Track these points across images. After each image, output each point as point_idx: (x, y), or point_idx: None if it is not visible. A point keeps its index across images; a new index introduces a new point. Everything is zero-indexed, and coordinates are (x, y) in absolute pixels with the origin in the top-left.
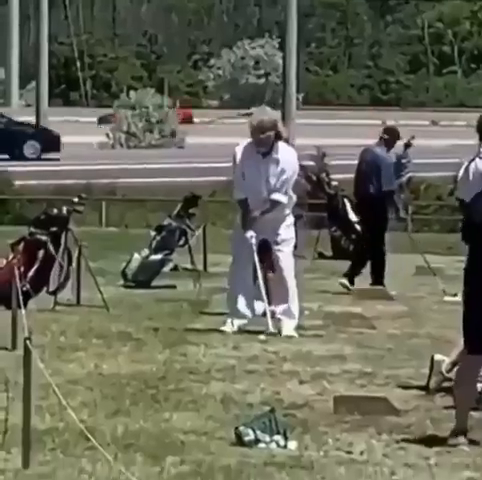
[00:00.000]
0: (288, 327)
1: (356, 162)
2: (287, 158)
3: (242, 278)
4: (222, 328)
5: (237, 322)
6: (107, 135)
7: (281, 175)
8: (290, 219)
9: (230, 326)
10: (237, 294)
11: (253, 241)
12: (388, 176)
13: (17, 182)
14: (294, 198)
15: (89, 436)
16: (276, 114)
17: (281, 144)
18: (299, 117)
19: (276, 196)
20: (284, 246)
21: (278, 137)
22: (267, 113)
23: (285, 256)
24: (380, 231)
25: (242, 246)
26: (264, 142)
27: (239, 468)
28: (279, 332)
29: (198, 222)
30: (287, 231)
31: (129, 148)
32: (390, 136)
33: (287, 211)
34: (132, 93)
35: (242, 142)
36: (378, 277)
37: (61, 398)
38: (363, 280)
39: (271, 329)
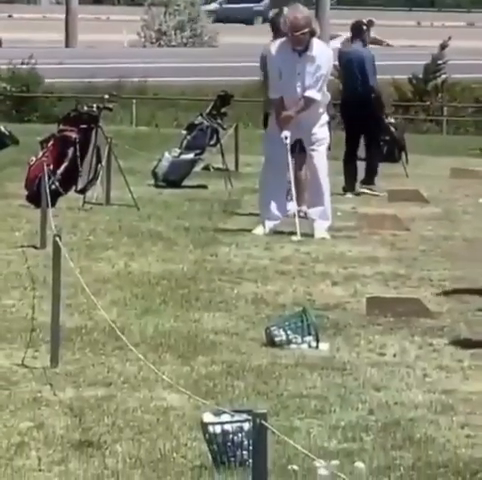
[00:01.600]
0: (321, 228)
1: (391, 63)
2: (323, 55)
3: (274, 179)
4: (254, 231)
5: (269, 224)
6: (138, 34)
7: (316, 72)
8: (324, 118)
9: (262, 228)
10: (269, 195)
11: (287, 141)
12: (372, 70)
13: (47, 80)
14: (329, 96)
15: (119, 334)
16: (309, 11)
17: (316, 41)
18: (333, 17)
19: (311, 93)
20: (318, 146)
21: (312, 34)
22: (300, 10)
23: (319, 156)
24: (377, 130)
25: (276, 146)
26: (300, 40)
27: (270, 369)
28: (312, 233)
29: (230, 122)
30: (321, 130)
31: (160, 46)
32: (356, 30)
33: (321, 109)
34: None
35: (275, 41)
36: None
37: (91, 296)
38: (397, 181)
39: (298, 231)
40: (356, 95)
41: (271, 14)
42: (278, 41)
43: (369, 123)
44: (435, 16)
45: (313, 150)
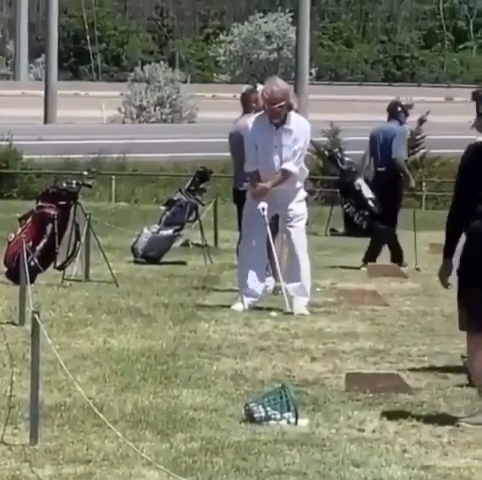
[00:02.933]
0: (300, 305)
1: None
2: (300, 128)
3: (253, 254)
4: (232, 307)
5: (247, 300)
6: (119, 109)
7: (294, 145)
8: (302, 194)
9: (241, 305)
10: (247, 271)
11: (265, 213)
12: (398, 144)
13: (25, 156)
14: (306, 171)
15: (97, 412)
16: (286, 85)
17: (293, 114)
18: (312, 92)
19: (288, 166)
20: (296, 222)
21: (290, 108)
22: (277, 83)
23: (297, 232)
24: (395, 208)
25: (253, 220)
26: (277, 113)
27: (249, 445)
28: (291, 310)
29: (209, 197)
30: (299, 206)
31: (140, 122)
32: (391, 111)
33: (299, 184)
34: (145, 67)
35: (250, 115)
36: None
37: (69, 373)
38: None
39: (288, 309)
40: (382, 171)
41: (244, 90)
42: (256, 114)
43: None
44: (414, 91)
45: (291, 226)
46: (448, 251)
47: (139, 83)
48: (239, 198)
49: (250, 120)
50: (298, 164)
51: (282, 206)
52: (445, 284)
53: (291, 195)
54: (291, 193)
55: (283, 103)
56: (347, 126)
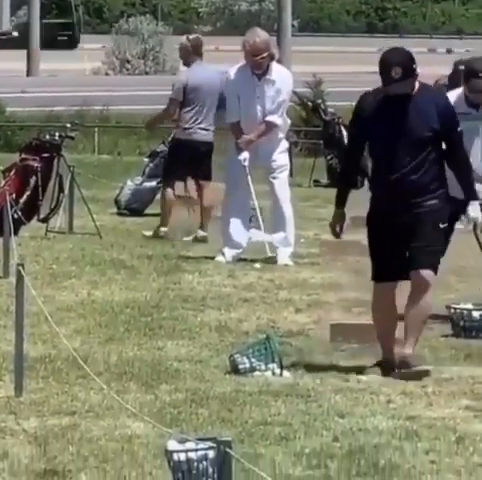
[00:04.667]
0: (284, 255)
1: (352, 89)
2: (282, 79)
3: (236, 206)
4: (217, 258)
5: (231, 252)
6: (102, 62)
7: (277, 97)
8: (284, 144)
9: (224, 256)
10: (231, 222)
11: (246, 163)
12: None
13: (8, 108)
14: (288, 122)
15: (82, 364)
16: (268, 35)
17: (275, 65)
18: (294, 44)
19: (272, 118)
20: (279, 173)
21: (271, 58)
22: (259, 34)
23: (280, 183)
24: None
25: (236, 172)
26: (259, 64)
27: (234, 396)
28: (275, 260)
29: None
30: (281, 157)
31: (123, 75)
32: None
33: (281, 135)
34: (130, 19)
35: (234, 66)
36: None
37: (53, 325)
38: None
39: (268, 253)
40: None
41: (191, 39)
42: (237, 65)
43: None
44: (397, 42)
45: (274, 177)
46: (340, 201)
47: (122, 35)
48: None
49: (232, 71)
50: (282, 115)
51: (264, 157)
52: (336, 234)
53: (273, 146)
54: (273, 144)
55: (265, 54)
56: (330, 77)
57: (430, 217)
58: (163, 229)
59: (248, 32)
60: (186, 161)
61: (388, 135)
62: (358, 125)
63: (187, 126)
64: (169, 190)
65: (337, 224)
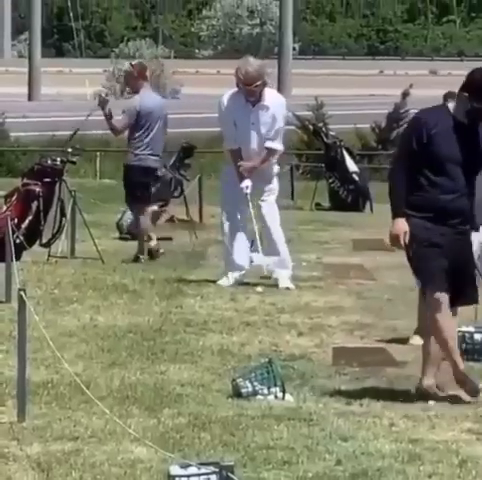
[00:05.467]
0: (284, 278)
1: (353, 112)
2: (276, 104)
3: (236, 230)
4: (219, 282)
5: (234, 275)
6: (103, 86)
7: (272, 122)
8: (276, 168)
9: (227, 280)
10: (232, 246)
11: (248, 191)
12: None
13: (11, 133)
14: (281, 147)
15: (84, 389)
16: (260, 62)
17: (268, 91)
18: (295, 67)
19: (272, 144)
20: (267, 196)
21: (264, 84)
22: (251, 64)
23: (269, 206)
24: None
25: (234, 197)
26: (253, 92)
27: (236, 420)
28: (276, 284)
29: (193, 173)
30: (274, 180)
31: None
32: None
33: (274, 160)
34: (130, 43)
35: (227, 92)
36: None
37: (55, 350)
38: (362, 230)
39: (265, 272)
40: None
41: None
42: (230, 92)
43: None
44: (398, 64)
45: (263, 201)
46: (400, 207)
47: (122, 59)
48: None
49: (226, 97)
50: (280, 141)
51: (256, 182)
52: (400, 245)
53: (265, 170)
54: (268, 169)
55: (259, 83)
56: (331, 100)
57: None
58: (142, 257)
59: (241, 61)
60: (143, 185)
61: (456, 155)
62: (422, 140)
63: (139, 152)
64: (142, 218)
65: (402, 233)
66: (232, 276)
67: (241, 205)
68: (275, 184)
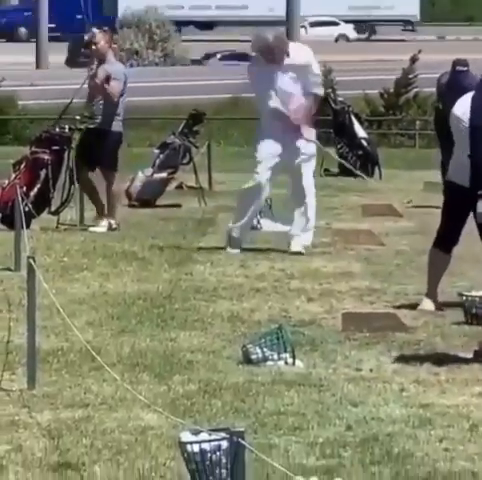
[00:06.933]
0: (297, 242)
1: (362, 78)
2: (299, 56)
3: (258, 197)
4: (228, 250)
5: (242, 242)
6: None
7: (306, 71)
8: (313, 133)
9: (232, 248)
10: (248, 213)
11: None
12: None
13: (19, 102)
14: (322, 92)
15: (95, 355)
16: (276, 31)
17: (292, 45)
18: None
19: (314, 89)
20: (308, 161)
21: (285, 51)
22: (267, 34)
23: (308, 173)
24: None
25: (270, 156)
26: (278, 59)
27: (247, 386)
28: (288, 248)
29: (202, 140)
30: (309, 146)
31: (131, 66)
32: None
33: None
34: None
35: (253, 56)
36: None
37: (66, 318)
38: (371, 196)
39: (293, 248)
40: None
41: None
42: (253, 57)
43: None
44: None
45: (300, 165)
46: None
47: (128, 28)
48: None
49: (252, 62)
50: (319, 85)
51: (292, 145)
52: None
53: (301, 135)
54: (301, 134)
55: (279, 50)
56: (340, 66)
57: None
58: (113, 222)
59: (255, 35)
60: (117, 151)
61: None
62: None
63: (120, 118)
64: (116, 183)
65: None
66: (241, 242)
67: (275, 166)
68: (312, 149)
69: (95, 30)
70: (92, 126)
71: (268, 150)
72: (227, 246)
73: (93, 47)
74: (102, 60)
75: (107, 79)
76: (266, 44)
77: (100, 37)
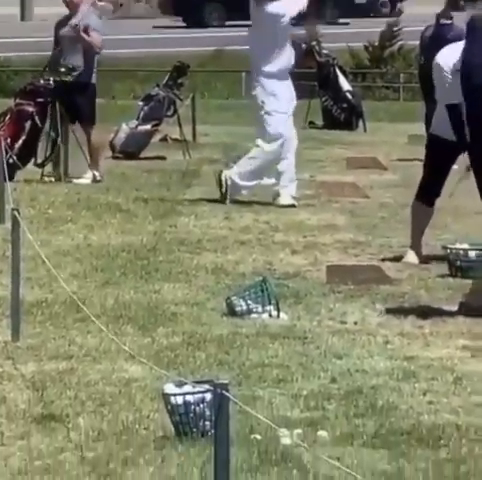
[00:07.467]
0: (286, 194)
1: (347, 30)
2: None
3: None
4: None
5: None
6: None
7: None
8: None
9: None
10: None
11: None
12: None
13: (2, 54)
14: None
15: (81, 306)
16: None
17: None
18: None
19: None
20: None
21: None
22: None
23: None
24: None
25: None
26: None
27: (231, 338)
28: (275, 200)
29: (187, 92)
30: None
31: (117, 18)
32: None
33: None
34: None
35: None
36: None
37: (52, 269)
38: (355, 149)
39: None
40: None
41: None
42: None
43: None
44: None
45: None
46: None
47: None
48: None
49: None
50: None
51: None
52: None
53: None
54: None
55: None
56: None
57: None
58: (97, 173)
59: None
60: None
61: None
62: None
63: (96, 70)
64: (97, 135)
65: None
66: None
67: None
68: None
69: None
70: (71, 79)
71: (289, 97)
72: (226, 195)
73: None
74: (74, 11)
75: (85, 30)
76: None
77: None
